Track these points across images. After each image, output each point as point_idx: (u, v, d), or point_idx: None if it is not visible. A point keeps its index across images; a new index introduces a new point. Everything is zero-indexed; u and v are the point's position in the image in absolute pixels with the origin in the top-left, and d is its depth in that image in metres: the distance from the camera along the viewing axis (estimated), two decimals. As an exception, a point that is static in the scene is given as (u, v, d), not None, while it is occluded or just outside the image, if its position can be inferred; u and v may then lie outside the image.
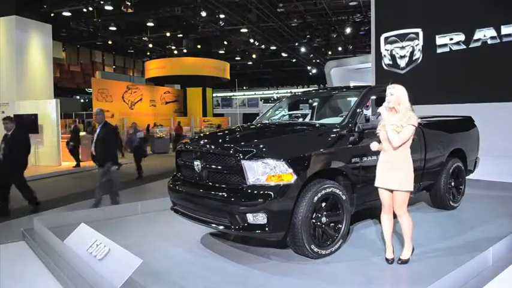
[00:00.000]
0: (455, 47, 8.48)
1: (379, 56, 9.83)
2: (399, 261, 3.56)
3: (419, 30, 9.05)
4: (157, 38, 26.02)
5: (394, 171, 3.46)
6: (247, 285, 3.25)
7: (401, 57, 9.36)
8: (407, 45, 9.23)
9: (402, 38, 9.37)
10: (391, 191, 3.51)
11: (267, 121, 5.24)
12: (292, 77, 39.87)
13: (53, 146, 12.98)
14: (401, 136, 3.38)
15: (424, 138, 4.93)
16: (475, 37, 8.19)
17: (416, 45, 9.12)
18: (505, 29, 7.80)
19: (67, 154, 13.50)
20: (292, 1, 18.95)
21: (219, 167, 3.75)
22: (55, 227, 4.77)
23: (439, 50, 8.74)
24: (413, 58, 9.18)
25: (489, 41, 8.01)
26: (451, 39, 8.52)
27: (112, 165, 6.01)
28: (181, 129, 19.96)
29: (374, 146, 3.57)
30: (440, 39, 8.71)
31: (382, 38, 9.75)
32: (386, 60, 9.68)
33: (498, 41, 7.87)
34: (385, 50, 9.71)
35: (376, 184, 3.59)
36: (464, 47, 8.35)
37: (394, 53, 9.53)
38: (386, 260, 3.61)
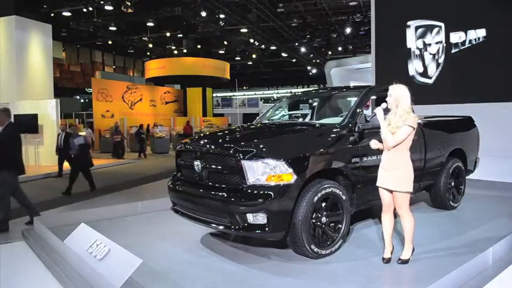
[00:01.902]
0: (461, 47, 8.37)
1: (405, 55, 7.74)
2: (399, 261, 3.56)
3: (442, 24, 8.09)
4: (157, 38, 26.00)
5: (392, 172, 3.47)
6: (247, 285, 3.25)
7: (432, 58, 7.56)
8: (438, 42, 7.62)
9: (430, 30, 7.75)
10: (391, 191, 3.52)
11: (267, 121, 5.25)
12: (292, 77, 39.85)
13: (53, 146, 12.94)
14: (396, 137, 3.38)
15: (424, 138, 4.93)
16: (471, 37, 8.16)
17: (441, 43, 8.11)
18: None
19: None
20: (292, 1, 18.94)
21: (219, 167, 3.75)
22: (55, 227, 4.78)
23: (453, 50, 8.26)
24: (439, 61, 8.03)
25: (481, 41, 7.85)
26: (460, 37, 8.37)
27: (16, 173, 5.36)
28: (191, 128, 19.74)
29: (373, 144, 3.58)
30: (453, 37, 8.31)
31: (410, 28, 7.47)
32: (419, 67, 7.40)
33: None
34: (417, 48, 7.30)
35: (377, 183, 3.60)
36: (465, 46, 8.33)
37: (424, 52, 7.41)
38: (383, 259, 3.62)
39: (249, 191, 3.49)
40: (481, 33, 8.03)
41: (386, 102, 3.51)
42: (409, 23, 7.80)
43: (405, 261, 3.56)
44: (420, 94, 7.76)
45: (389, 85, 3.56)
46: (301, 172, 3.56)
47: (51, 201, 7.16)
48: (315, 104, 5.49)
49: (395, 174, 3.46)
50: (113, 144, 15.98)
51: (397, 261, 3.57)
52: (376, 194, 3.65)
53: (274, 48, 26.74)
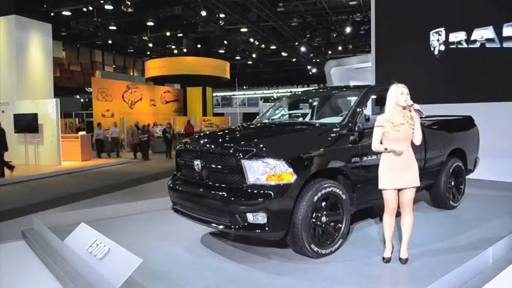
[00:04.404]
0: (459, 46, 8.41)
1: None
2: (403, 261, 3.55)
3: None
4: (157, 38, 26.03)
5: (407, 170, 3.46)
6: (247, 285, 3.25)
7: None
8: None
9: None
10: (398, 191, 3.51)
11: (267, 121, 5.24)
12: (292, 76, 39.86)
13: (53, 146, 12.99)
14: (420, 135, 3.47)
15: (424, 138, 4.91)
16: (473, 37, 8.16)
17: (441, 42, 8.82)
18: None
19: (67, 153, 13.53)
20: (292, 0, 18.96)
21: (219, 167, 3.75)
22: (55, 226, 4.77)
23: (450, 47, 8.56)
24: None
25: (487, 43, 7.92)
26: (459, 37, 8.43)
27: None
28: (192, 128, 19.62)
29: (394, 148, 3.43)
30: (452, 37, 8.51)
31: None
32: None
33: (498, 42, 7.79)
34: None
35: (385, 186, 3.50)
36: (466, 46, 8.32)
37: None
38: (383, 258, 3.61)
39: (249, 190, 3.48)
40: (482, 33, 8.04)
41: (406, 100, 3.43)
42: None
43: (407, 260, 3.56)
44: (421, 93, 7.87)
45: (389, 85, 3.55)
46: (301, 172, 3.56)
47: (51, 201, 7.17)
48: (315, 103, 5.49)
49: (409, 172, 3.47)
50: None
51: (401, 262, 3.55)
52: (376, 193, 3.64)
53: (274, 47, 26.76)
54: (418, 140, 3.46)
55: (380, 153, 3.57)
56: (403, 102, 3.42)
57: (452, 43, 8.53)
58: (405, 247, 3.59)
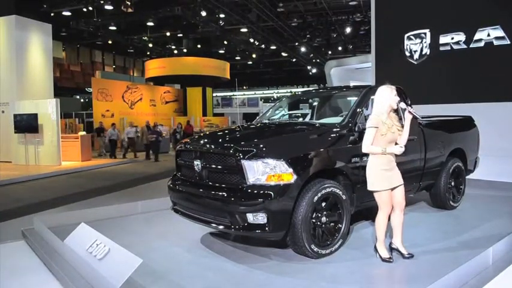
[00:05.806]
0: (456, 46, 8.42)
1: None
2: (410, 256, 3.58)
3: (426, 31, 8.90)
4: (157, 38, 26.05)
5: (394, 169, 3.53)
6: (247, 285, 3.25)
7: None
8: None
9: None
10: (392, 190, 3.53)
11: (267, 121, 5.24)
12: (292, 76, 39.87)
13: (53, 146, 13.00)
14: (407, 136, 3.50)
15: (424, 138, 4.93)
16: (476, 37, 8.14)
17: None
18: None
19: (67, 153, 13.54)
20: (292, 1, 18.97)
21: (219, 167, 3.76)
22: (55, 226, 4.77)
23: (441, 49, 8.58)
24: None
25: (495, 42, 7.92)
26: (452, 38, 8.44)
27: None
28: (192, 128, 19.47)
29: (398, 149, 3.43)
30: (443, 39, 8.53)
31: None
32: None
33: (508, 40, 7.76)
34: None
35: (384, 187, 3.51)
36: (465, 46, 8.31)
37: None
38: (382, 259, 3.61)
39: (249, 190, 3.49)
40: (489, 32, 8.02)
41: (400, 101, 3.48)
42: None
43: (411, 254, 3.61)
44: (421, 93, 7.88)
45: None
46: (301, 172, 3.56)
47: (51, 201, 7.17)
48: (315, 103, 5.49)
49: (396, 170, 3.54)
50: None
51: (408, 256, 3.58)
52: (377, 193, 3.64)
53: (274, 47, 26.77)
54: (404, 142, 3.49)
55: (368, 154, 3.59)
56: (396, 104, 3.45)
57: (447, 44, 8.53)
58: (402, 243, 3.63)
